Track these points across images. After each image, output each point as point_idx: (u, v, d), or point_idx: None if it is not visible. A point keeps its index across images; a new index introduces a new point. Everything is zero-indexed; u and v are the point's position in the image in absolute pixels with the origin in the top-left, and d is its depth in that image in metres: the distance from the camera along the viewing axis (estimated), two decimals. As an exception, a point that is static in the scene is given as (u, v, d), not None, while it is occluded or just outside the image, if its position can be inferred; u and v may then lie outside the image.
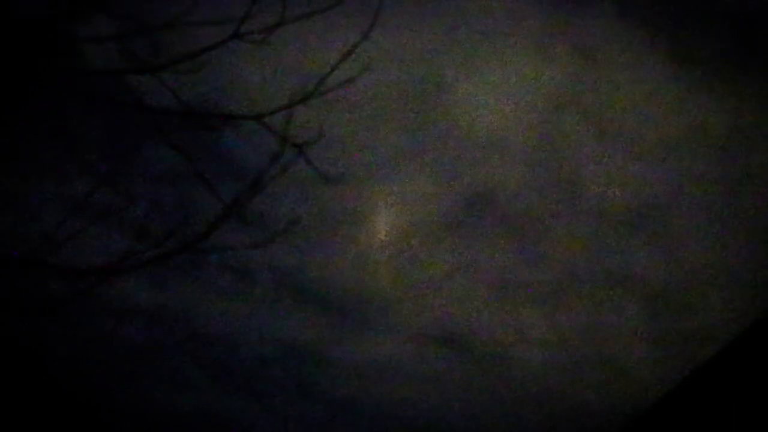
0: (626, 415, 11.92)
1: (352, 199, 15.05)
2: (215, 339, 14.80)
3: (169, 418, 13.32)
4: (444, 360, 16.48)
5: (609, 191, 16.47)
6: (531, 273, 16.52)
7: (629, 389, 14.80)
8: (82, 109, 10.43)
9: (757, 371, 10.71)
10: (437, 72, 15.92)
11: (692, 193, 15.95)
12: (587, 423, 14.59)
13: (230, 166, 10.90)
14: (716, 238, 15.51)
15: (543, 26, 16.25)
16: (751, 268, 14.79)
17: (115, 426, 12.33)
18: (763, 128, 15.75)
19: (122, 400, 12.34)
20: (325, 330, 16.21)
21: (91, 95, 10.27)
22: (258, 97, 10.38)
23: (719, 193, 15.79)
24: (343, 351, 16.33)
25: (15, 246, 10.24)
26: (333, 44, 10.41)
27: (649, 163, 16.27)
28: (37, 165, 10.66)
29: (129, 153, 10.75)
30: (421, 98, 15.87)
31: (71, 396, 11.78)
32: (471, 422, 15.92)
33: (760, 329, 10.74)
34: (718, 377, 10.97)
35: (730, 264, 15.17)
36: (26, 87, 10.11)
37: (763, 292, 13.14)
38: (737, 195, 15.59)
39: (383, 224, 16.14)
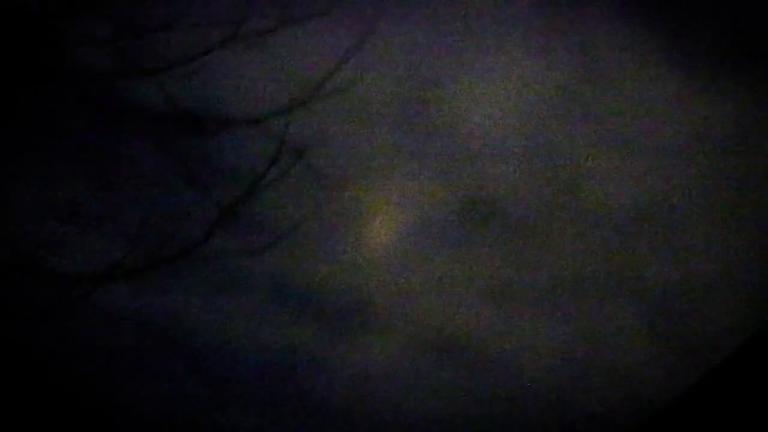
0: (630, 422, 11.87)
1: (350, 203, 14.94)
2: (209, 346, 14.73)
3: (161, 428, 13.26)
4: (443, 366, 16.37)
5: (611, 193, 16.38)
6: (532, 277, 16.42)
7: (633, 396, 14.69)
8: (74, 113, 10.34)
9: (764, 378, 10.67)
10: (435, 73, 15.84)
11: (696, 196, 15.87)
12: (590, 430, 14.51)
13: (227, 170, 10.80)
14: (721, 241, 15.44)
15: (543, 26, 16.16)
16: (758, 273, 14.73)
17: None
18: (766, 129, 15.70)
19: (114, 409, 12.27)
20: (321, 337, 16.10)
21: (84, 99, 10.21)
22: (255, 101, 10.32)
23: (723, 195, 15.71)
24: (341, 357, 16.23)
25: (6, 252, 10.15)
26: (331, 47, 10.35)
27: (651, 165, 16.19)
28: (28, 170, 10.57)
29: (123, 158, 10.66)
30: (419, 100, 15.79)
31: (63, 403, 11.70)
32: (470, 429, 15.83)
33: (766, 336, 10.70)
34: (725, 384, 10.92)
35: (736, 268, 15.09)
36: (17, 90, 10.02)
37: (768, 298, 13.12)
38: (742, 197, 15.52)
39: (381, 228, 16.03)
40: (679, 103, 15.97)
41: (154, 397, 12.98)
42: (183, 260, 10.25)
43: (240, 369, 15.52)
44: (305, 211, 11.29)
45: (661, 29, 16.01)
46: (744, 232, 15.19)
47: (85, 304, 10.49)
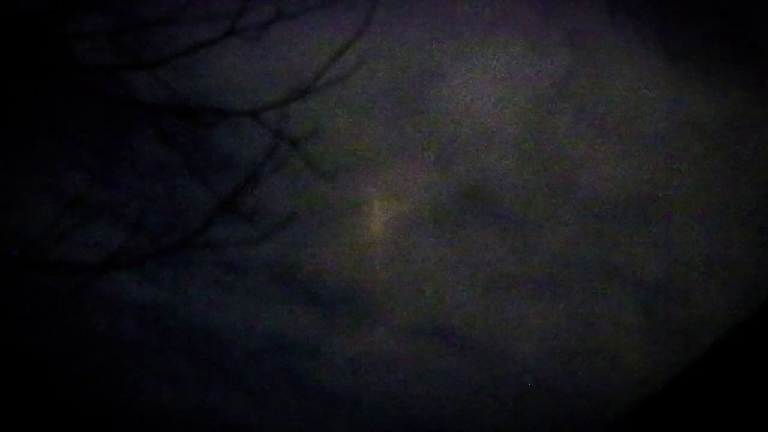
0: (622, 407, 11.94)
1: (346, 193, 15.04)
2: (207, 333, 14.80)
3: (160, 414, 13.31)
4: (437, 353, 16.50)
5: (602, 183, 16.50)
6: (525, 265, 16.54)
7: (625, 382, 14.83)
8: (75, 106, 10.40)
9: (754, 363, 10.74)
10: (430, 66, 15.93)
11: (686, 185, 15.99)
12: (582, 416, 14.62)
13: (225, 161, 10.89)
14: (711, 229, 15.55)
15: (535, 19, 16.25)
16: (747, 260, 14.84)
17: (106, 422, 12.31)
18: (755, 120, 15.80)
19: (114, 395, 12.32)
20: (317, 324, 16.22)
21: (85, 92, 10.26)
22: (253, 94, 10.38)
23: (713, 184, 15.83)
24: (336, 345, 16.34)
25: (9, 244, 10.21)
26: (328, 40, 10.41)
27: (642, 155, 16.31)
28: (30, 162, 10.63)
29: (123, 149, 10.72)
30: (414, 92, 15.88)
31: (63, 392, 11.76)
32: (465, 415, 15.95)
33: (757, 321, 10.76)
34: (715, 370, 10.99)
35: (726, 255, 15.21)
36: (19, 84, 10.08)
37: (759, 284, 13.17)
38: (730, 186, 15.64)
39: (376, 218, 16.15)
40: (670, 93, 16.08)
41: (152, 385, 13.07)
42: (182, 249, 10.30)
43: (236, 356, 15.64)
44: (302, 201, 11.41)
45: (652, 20, 16.11)
46: (735, 218, 15.32)
47: (86, 295, 10.57)
